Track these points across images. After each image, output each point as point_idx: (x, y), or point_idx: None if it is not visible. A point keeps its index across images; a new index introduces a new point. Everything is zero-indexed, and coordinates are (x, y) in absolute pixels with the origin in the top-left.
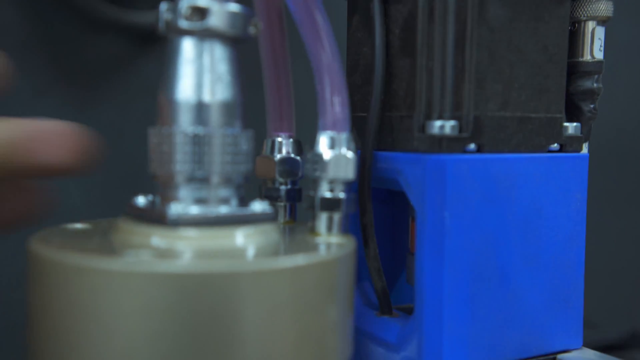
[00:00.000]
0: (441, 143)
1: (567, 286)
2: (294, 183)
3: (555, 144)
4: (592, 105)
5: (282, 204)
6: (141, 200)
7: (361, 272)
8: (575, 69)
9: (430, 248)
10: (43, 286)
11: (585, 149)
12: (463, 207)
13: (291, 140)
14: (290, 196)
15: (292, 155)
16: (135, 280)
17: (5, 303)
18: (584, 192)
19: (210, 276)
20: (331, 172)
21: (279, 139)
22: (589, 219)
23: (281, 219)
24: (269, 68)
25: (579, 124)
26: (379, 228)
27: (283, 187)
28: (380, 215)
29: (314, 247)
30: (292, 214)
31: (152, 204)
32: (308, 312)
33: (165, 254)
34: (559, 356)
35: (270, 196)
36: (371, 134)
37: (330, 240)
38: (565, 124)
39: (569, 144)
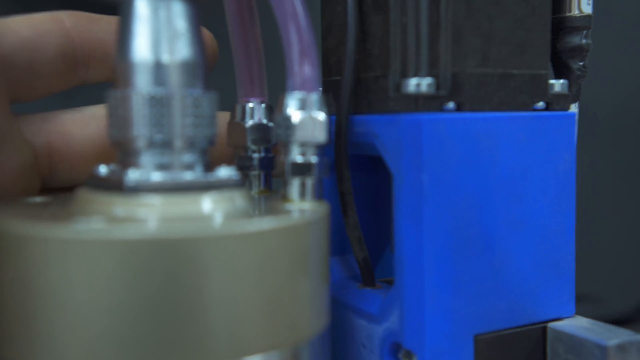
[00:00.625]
0: (417, 102)
1: (556, 251)
2: (267, 150)
3: (541, 102)
4: (581, 63)
5: (255, 172)
6: (102, 169)
7: (345, 245)
8: (562, 25)
9: (408, 213)
10: None
11: (574, 109)
12: (442, 170)
13: (263, 105)
14: (264, 164)
15: (265, 122)
16: (85, 248)
17: None
18: (573, 152)
19: (168, 242)
20: (301, 135)
21: (250, 105)
22: (594, 194)
23: (255, 188)
24: (236, 28)
25: (566, 81)
26: (363, 198)
27: (256, 155)
28: (364, 185)
29: (284, 212)
30: (267, 183)
31: (113, 172)
32: (277, 279)
33: (123, 221)
34: (550, 324)
35: (242, 165)
36: (346, 96)
37: (302, 207)
38: (552, 81)
39: (556, 102)
